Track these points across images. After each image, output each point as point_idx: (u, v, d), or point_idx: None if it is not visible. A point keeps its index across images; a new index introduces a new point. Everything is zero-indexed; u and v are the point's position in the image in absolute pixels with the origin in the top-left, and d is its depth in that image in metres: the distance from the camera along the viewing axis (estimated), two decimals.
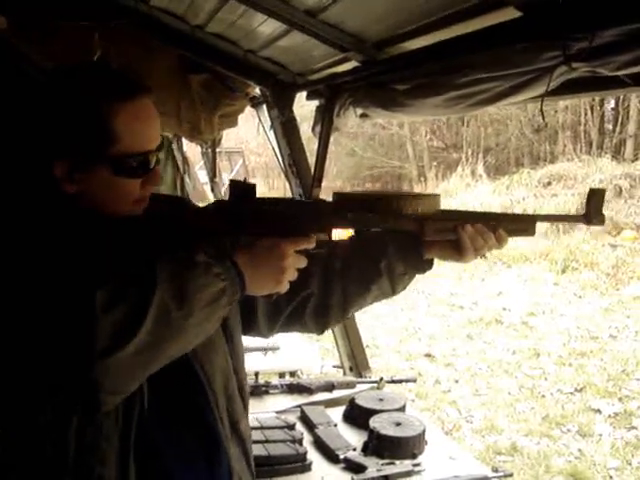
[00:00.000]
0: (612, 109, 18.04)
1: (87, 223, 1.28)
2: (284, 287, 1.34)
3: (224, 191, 6.34)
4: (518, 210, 12.90)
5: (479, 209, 12.94)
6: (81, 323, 1.07)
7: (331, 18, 2.48)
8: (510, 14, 1.81)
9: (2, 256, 1.16)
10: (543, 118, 1.84)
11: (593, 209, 1.43)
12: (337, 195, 1.44)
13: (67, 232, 1.23)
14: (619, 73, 1.53)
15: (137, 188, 1.30)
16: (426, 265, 1.57)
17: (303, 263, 1.37)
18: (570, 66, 1.60)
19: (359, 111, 2.86)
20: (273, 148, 3.93)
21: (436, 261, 1.59)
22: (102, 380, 1.10)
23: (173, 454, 1.35)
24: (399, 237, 1.51)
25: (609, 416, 5.65)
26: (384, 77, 2.50)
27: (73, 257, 1.18)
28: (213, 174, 6.22)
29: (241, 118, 4.43)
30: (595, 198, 1.43)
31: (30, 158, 1.29)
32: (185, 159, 6.41)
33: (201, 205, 1.60)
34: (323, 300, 1.61)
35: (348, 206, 1.39)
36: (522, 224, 1.47)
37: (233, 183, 1.37)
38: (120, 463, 1.26)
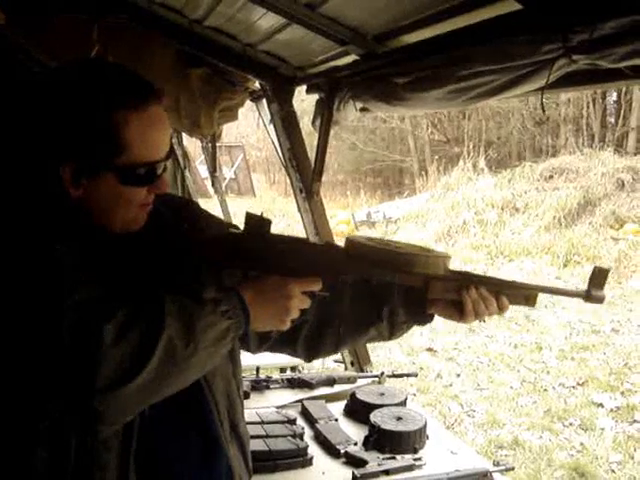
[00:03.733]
0: (614, 102, 18.04)
1: (92, 238, 1.27)
2: (286, 326, 1.34)
3: (225, 185, 6.34)
4: (520, 204, 12.90)
5: (480, 203, 12.97)
6: (87, 356, 1.07)
7: (331, 11, 2.47)
8: (510, 6, 1.80)
9: (8, 267, 1.14)
10: (543, 111, 1.83)
11: (594, 287, 1.42)
12: (350, 242, 1.41)
13: (74, 247, 1.22)
14: (619, 65, 1.52)
15: (142, 195, 1.28)
16: (427, 318, 1.57)
17: (307, 304, 1.36)
18: (570, 58, 1.59)
19: (359, 105, 2.85)
20: (273, 142, 3.92)
21: None
22: (103, 412, 1.10)
23: (173, 458, 1.36)
24: (405, 287, 1.50)
25: (611, 410, 5.65)
26: (384, 70, 2.48)
27: (80, 276, 1.16)
28: (213, 168, 6.22)
29: (241, 113, 4.43)
30: (598, 277, 1.42)
31: (37, 159, 1.27)
32: (185, 154, 6.40)
33: (201, 202, 1.59)
34: (317, 331, 1.60)
35: (360, 256, 1.39)
36: (524, 293, 1.47)
37: (249, 216, 1.35)
38: (120, 468, 1.25)
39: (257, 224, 1.35)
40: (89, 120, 1.20)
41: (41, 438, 1.20)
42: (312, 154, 3.47)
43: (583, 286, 1.44)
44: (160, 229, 1.38)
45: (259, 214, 1.36)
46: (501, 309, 1.46)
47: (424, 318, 1.57)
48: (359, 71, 2.68)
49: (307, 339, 1.61)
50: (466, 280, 1.45)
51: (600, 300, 1.42)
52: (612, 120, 17.91)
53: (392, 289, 1.53)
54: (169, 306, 1.15)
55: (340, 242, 1.47)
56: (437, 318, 1.58)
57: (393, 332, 1.59)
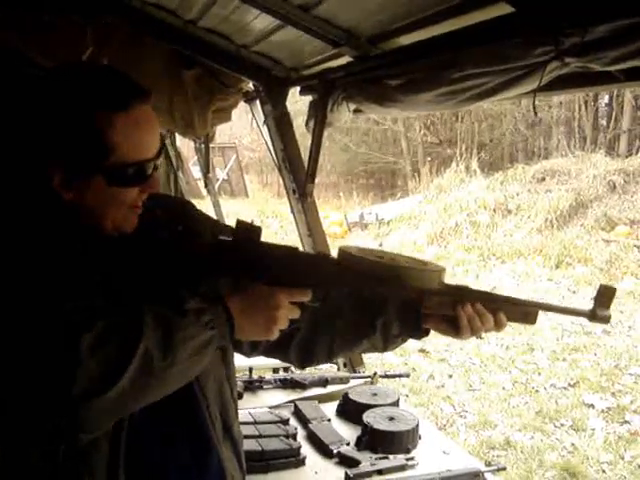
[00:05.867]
0: (606, 105, 18.12)
1: (82, 240, 1.27)
2: (274, 336, 1.32)
3: (217, 186, 6.33)
4: (512, 206, 12.94)
5: (473, 205, 13.00)
6: (64, 365, 1.07)
7: (324, 13, 2.48)
8: (503, 9, 1.82)
9: None
10: (535, 113, 1.84)
11: (600, 306, 1.39)
12: (342, 253, 1.38)
13: (61, 249, 1.22)
14: (611, 68, 1.54)
15: (133, 196, 1.28)
16: (422, 333, 1.53)
17: (296, 314, 1.35)
18: (562, 61, 1.61)
19: (352, 106, 2.85)
20: (266, 143, 3.92)
21: None
22: (80, 421, 1.11)
23: (163, 459, 1.36)
24: (400, 300, 1.48)
25: (602, 411, 5.68)
26: (377, 72, 2.49)
27: (62, 279, 1.17)
28: (207, 169, 6.20)
29: (235, 114, 4.42)
30: (604, 295, 1.39)
31: (27, 164, 1.27)
32: (178, 155, 6.39)
33: (211, 218, 1.59)
34: (310, 339, 1.58)
35: (352, 267, 1.36)
36: (523, 310, 1.42)
37: (239, 224, 1.34)
38: (109, 471, 1.25)
39: (247, 232, 1.33)
40: (74, 124, 1.20)
41: (27, 441, 1.19)
42: (305, 155, 3.47)
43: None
44: (153, 230, 1.37)
45: (249, 222, 1.34)
46: (498, 326, 1.43)
47: (419, 332, 1.53)
48: (353, 73, 2.69)
49: (299, 347, 1.59)
50: (462, 295, 1.42)
51: (606, 320, 1.40)
52: (604, 123, 17.99)
53: (386, 301, 1.51)
54: (148, 317, 1.14)
55: (333, 245, 1.46)
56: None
57: (387, 345, 1.56)
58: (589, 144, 15.96)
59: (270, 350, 1.61)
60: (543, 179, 13.70)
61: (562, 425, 5.43)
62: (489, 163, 17.61)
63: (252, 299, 1.30)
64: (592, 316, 1.39)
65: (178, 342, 1.16)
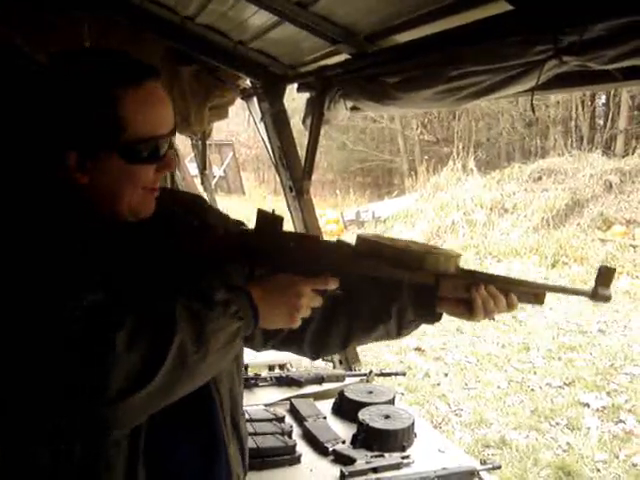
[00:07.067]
0: (603, 105, 18.12)
1: (100, 228, 1.26)
2: (297, 324, 1.33)
3: (214, 183, 6.32)
4: (509, 205, 12.95)
5: (469, 203, 13.02)
6: (98, 365, 1.05)
7: (322, 10, 2.48)
8: (501, 7, 1.81)
9: (14, 267, 1.12)
10: (533, 112, 1.86)
11: (601, 286, 1.43)
12: (360, 240, 1.42)
13: (78, 240, 1.21)
14: (609, 67, 1.54)
15: (149, 175, 1.27)
16: (437, 317, 1.56)
17: (318, 302, 1.36)
18: (561, 60, 1.61)
19: (349, 104, 2.85)
20: (263, 140, 3.92)
21: None
22: (113, 420, 1.10)
23: (179, 455, 1.35)
24: (415, 285, 1.49)
25: (597, 410, 5.68)
26: (375, 70, 2.49)
27: (88, 277, 1.16)
28: (203, 166, 6.19)
29: (232, 111, 4.42)
30: (605, 275, 1.44)
31: (41, 149, 1.26)
32: (175, 151, 6.36)
33: (222, 212, 1.59)
34: (325, 328, 1.58)
35: (370, 254, 1.39)
36: (533, 291, 1.48)
37: (260, 213, 1.35)
38: (128, 468, 1.25)
39: (269, 221, 1.34)
40: (86, 102, 1.19)
41: (45, 437, 1.18)
42: (302, 153, 3.47)
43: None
44: (171, 224, 1.37)
45: (270, 211, 1.35)
46: (510, 307, 1.47)
47: (433, 316, 1.55)
48: (350, 70, 2.69)
49: (314, 336, 1.59)
50: (476, 278, 1.46)
51: (607, 299, 1.44)
52: (601, 122, 17.99)
53: (401, 287, 1.52)
54: (180, 310, 1.14)
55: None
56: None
57: (401, 330, 1.58)
58: (586, 144, 15.97)
59: (283, 343, 1.61)
60: (540, 178, 13.71)
61: (557, 424, 5.43)
62: (486, 162, 17.61)
63: (274, 288, 1.30)
64: (594, 295, 1.44)
65: (210, 334, 1.15)
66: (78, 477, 1.22)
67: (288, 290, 1.30)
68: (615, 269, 1.47)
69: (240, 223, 1.53)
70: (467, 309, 1.47)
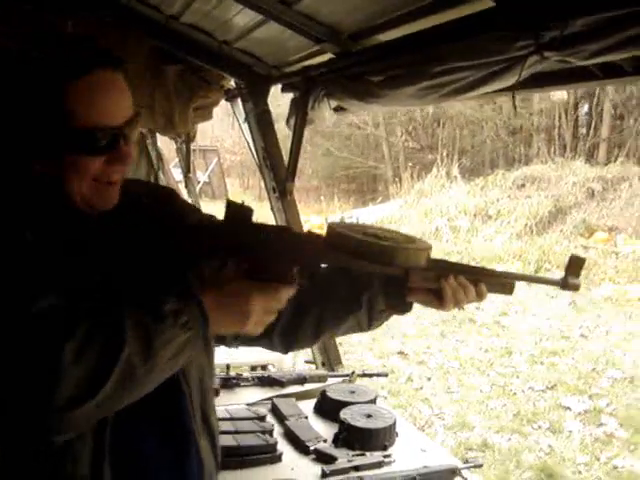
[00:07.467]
0: (586, 113, 18.29)
1: (62, 216, 1.25)
2: (251, 331, 1.32)
3: (198, 189, 6.29)
4: (492, 211, 13.03)
5: (453, 210, 13.09)
6: (46, 374, 1.04)
7: (307, 8, 2.48)
8: (483, 5, 1.82)
9: None
10: (515, 109, 1.86)
11: (571, 275, 1.45)
12: (330, 230, 1.39)
13: (43, 231, 1.20)
14: (589, 62, 1.55)
15: (95, 166, 1.23)
16: (407, 307, 1.56)
17: (271, 311, 1.34)
18: (542, 55, 1.61)
19: (333, 103, 2.86)
20: (247, 142, 3.91)
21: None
22: (59, 428, 1.10)
23: (146, 448, 1.34)
24: (385, 275, 1.49)
25: (579, 413, 5.73)
26: (359, 68, 2.49)
27: (44, 275, 1.14)
28: (187, 170, 6.16)
29: (216, 115, 4.40)
30: (575, 265, 1.46)
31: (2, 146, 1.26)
32: (159, 156, 6.33)
33: (193, 205, 1.58)
34: (294, 320, 1.57)
35: (339, 246, 1.37)
36: (502, 281, 1.49)
37: (230, 204, 1.33)
38: (93, 461, 1.23)
39: (238, 212, 1.33)
40: (36, 99, 1.19)
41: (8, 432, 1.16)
42: (286, 156, 3.47)
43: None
44: (136, 215, 1.36)
45: (240, 202, 1.34)
46: (479, 297, 1.48)
47: (403, 306, 1.55)
48: (334, 69, 2.69)
49: (283, 332, 1.58)
50: (446, 270, 1.45)
51: (576, 287, 1.46)
52: (584, 131, 18.15)
53: (372, 277, 1.52)
54: (128, 322, 1.12)
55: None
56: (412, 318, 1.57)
57: (372, 321, 1.58)
58: (569, 152, 16.11)
59: (252, 339, 1.57)
60: (523, 185, 13.82)
61: (539, 427, 5.46)
62: (470, 169, 17.71)
63: (226, 294, 1.29)
64: (564, 284, 1.45)
65: (158, 346, 1.14)
66: (43, 470, 1.21)
67: (240, 298, 1.29)
68: (585, 259, 1.49)
69: (211, 217, 1.52)
70: (437, 298, 1.47)
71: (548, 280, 1.52)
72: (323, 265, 1.44)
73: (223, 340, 1.59)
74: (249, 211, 1.33)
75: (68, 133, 1.19)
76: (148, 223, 1.36)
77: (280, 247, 1.35)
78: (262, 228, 1.36)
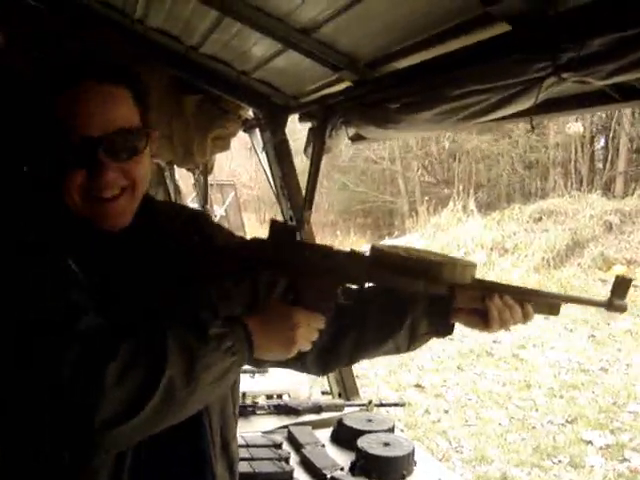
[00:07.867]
0: (602, 147, 18.27)
1: (92, 242, 1.26)
2: (292, 354, 1.32)
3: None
4: (509, 245, 12.98)
5: (470, 243, 13.05)
6: (88, 395, 1.05)
7: (325, 37, 2.51)
8: (500, 29, 1.84)
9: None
10: (533, 129, 1.86)
11: (616, 296, 1.44)
12: (375, 250, 1.39)
13: (76, 257, 1.21)
14: (607, 82, 1.55)
15: (76, 180, 1.22)
16: (449, 329, 1.54)
17: (314, 336, 1.34)
18: (559, 76, 1.62)
19: (351, 131, 2.87)
20: (265, 172, 3.94)
21: None
22: (99, 447, 1.10)
23: (164, 473, 1.33)
24: (430, 296, 1.47)
25: (601, 448, 5.62)
26: (376, 96, 2.51)
27: (81, 297, 1.15)
28: (204, 201, 6.19)
29: (234, 149, 4.43)
30: (621, 286, 1.44)
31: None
32: (177, 188, 6.39)
33: (225, 228, 1.59)
34: (332, 343, 1.56)
35: (384, 264, 1.37)
36: (548, 301, 1.48)
37: (274, 222, 1.36)
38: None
39: (282, 231, 1.35)
40: (33, 111, 1.24)
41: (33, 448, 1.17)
42: (304, 188, 3.47)
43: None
44: (162, 237, 1.36)
45: (283, 221, 1.36)
46: (526, 317, 1.46)
47: (446, 329, 1.53)
48: (351, 97, 2.71)
49: (320, 351, 1.55)
50: (491, 289, 1.44)
51: (623, 309, 1.44)
52: (600, 165, 18.11)
53: (415, 299, 1.50)
54: (171, 343, 1.12)
55: None
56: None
57: (411, 344, 1.56)
58: (585, 185, 16.06)
59: (284, 361, 1.59)
60: (540, 219, 13.76)
61: (560, 462, 5.36)
62: (486, 203, 17.69)
63: (270, 319, 1.29)
64: (609, 305, 1.43)
65: (201, 370, 1.14)
66: None
67: (286, 322, 1.29)
68: (631, 279, 1.47)
69: (242, 238, 1.53)
70: (482, 319, 1.46)
71: (594, 302, 1.50)
72: (368, 283, 1.42)
73: (255, 362, 1.58)
74: (293, 230, 1.35)
75: (54, 145, 1.21)
76: (174, 246, 1.37)
77: (326, 265, 1.35)
78: (307, 246, 1.38)
